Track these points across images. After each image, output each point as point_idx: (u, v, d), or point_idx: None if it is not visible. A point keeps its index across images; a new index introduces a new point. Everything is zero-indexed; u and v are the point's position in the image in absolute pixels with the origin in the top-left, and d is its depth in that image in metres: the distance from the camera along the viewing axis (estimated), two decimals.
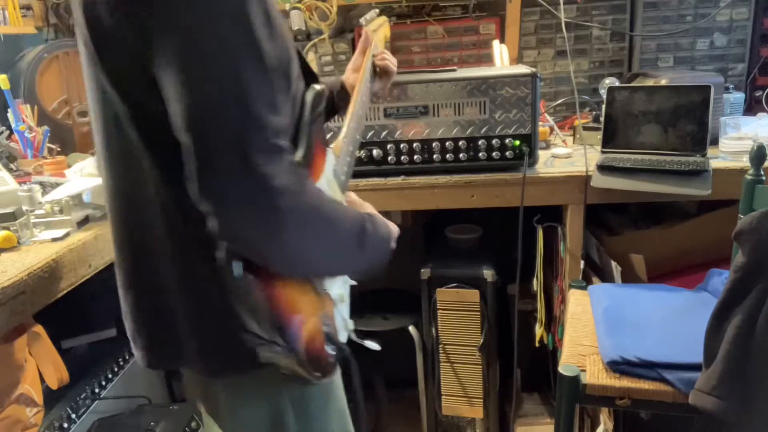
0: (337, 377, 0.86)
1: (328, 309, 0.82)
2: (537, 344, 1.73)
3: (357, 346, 0.90)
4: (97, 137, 0.76)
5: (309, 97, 0.78)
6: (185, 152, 0.61)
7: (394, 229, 0.90)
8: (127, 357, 1.42)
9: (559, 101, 1.96)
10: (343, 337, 0.85)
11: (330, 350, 0.79)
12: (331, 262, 0.76)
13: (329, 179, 0.84)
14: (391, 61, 1.19)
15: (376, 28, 1.22)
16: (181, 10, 0.60)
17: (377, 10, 1.28)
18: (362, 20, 1.20)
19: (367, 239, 0.77)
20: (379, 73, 1.17)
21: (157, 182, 0.71)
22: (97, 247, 1.14)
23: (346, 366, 0.84)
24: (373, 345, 0.92)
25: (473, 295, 1.65)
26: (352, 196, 0.96)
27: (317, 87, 0.79)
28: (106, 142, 0.75)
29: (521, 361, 1.70)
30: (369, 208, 0.93)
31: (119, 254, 0.80)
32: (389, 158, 1.51)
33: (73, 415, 1.22)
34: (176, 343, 0.78)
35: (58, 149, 1.75)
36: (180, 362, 0.81)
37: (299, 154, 0.73)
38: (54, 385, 1.06)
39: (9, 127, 1.73)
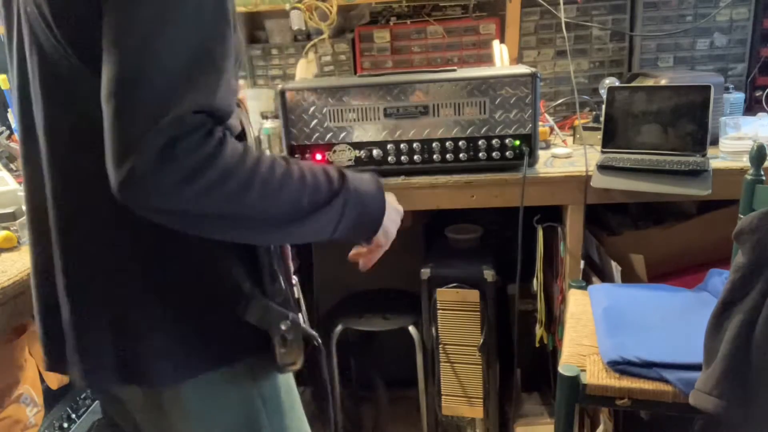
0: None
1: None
2: (537, 344, 1.73)
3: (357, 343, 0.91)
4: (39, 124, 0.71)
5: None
6: (105, 129, 0.59)
7: (392, 211, 0.84)
8: None
9: (559, 101, 1.96)
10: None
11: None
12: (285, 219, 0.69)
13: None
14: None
15: None
16: None
17: None
18: None
19: (322, 201, 0.70)
20: None
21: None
22: None
23: (318, 350, 0.83)
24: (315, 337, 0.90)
25: (473, 295, 1.65)
26: None
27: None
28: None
29: (521, 361, 1.70)
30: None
31: (40, 243, 0.73)
32: (389, 158, 1.51)
33: (73, 415, 1.22)
34: (129, 349, 0.71)
35: None
36: (133, 374, 0.72)
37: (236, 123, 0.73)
38: (54, 385, 1.06)
39: (9, 127, 1.73)
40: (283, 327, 0.73)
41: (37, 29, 0.67)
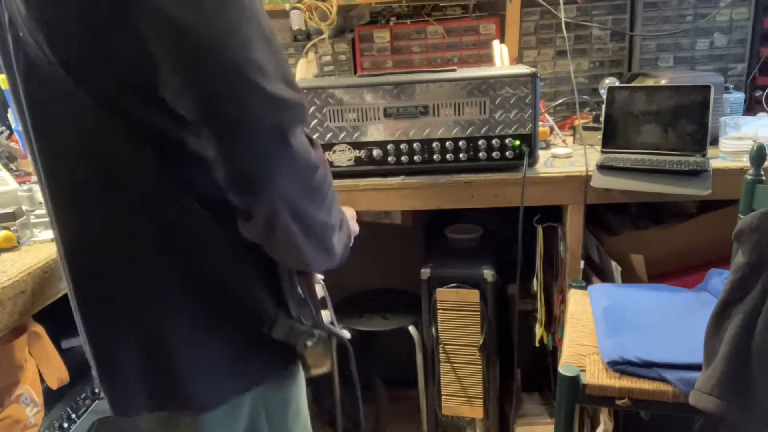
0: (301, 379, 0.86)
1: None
2: (537, 344, 1.73)
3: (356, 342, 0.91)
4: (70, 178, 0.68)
5: None
6: (209, 143, 0.60)
7: (348, 209, 0.90)
8: None
9: (559, 101, 1.96)
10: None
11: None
12: (342, 242, 0.77)
13: None
14: None
15: None
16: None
17: None
18: None
19: (344, 221, 0.79)
20: None
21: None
22: None
23: (345, 351, 0.85)
24: (345, 333, 0.89)
25: (473, 295, 1.65)
26: None
27: None
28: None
29: (521, 361, 1.70)
30: None
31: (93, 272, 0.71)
32: (389, 158, 1.51)
33: (73, 415, 1.22)
34: (171, 372, 0.71)
35: None
36: (176, 396, 0.72)
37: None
38: (54, 385, 1.06)
39: (9, 127, 1.73)
40: (309, 343, 0.75)
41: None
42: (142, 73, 0.58)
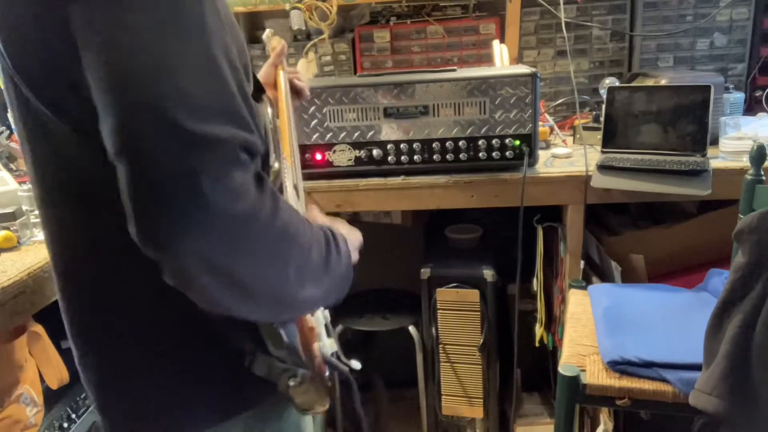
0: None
1: (319, 334, 0.78)
2: (537, 344, 1.73)
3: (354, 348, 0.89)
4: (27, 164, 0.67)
5: (267, 113, 0.73)
6: (120, 183, 0.51)
7: (354, 237, 0.81)
8: None
9: (559, 101, 1.96)
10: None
11: (328, 374, 0.76)
12: (313, 289, 0.65)
13: (293, 192, 0.80)
14: (305, 83, 1.16)
15: (276, 44, 1.20)
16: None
17: (272, 30, 1.24)
18: (264, 37, 1.17)
19: (332, 257, 0.68)
20: (292, 92, 1.14)
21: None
22: None
23: (347, 387, 0.80)
24: (356, 364, 0.85)
25: (473, 295, 1.64)
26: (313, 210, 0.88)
27: (269, 105, 0.74)
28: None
29: (521, 361, 1.70)
30: (319, 216, 0.83)
31: (64, 289, 0.70)
32: (389, 158, 1.51)
33: (73, 415, 1.22)
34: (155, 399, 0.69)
35: None
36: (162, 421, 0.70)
37: (276, 166, 0.69)
38: (54, 385, 1.06)
39: (9, 127, 1.73)
40: (291, 383, 0.68)
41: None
42: (81, 90, 0.54)
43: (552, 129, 1.81)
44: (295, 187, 0.83)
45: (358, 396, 0.81)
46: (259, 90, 0.73)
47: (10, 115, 1.69)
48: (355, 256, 0.77)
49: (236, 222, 0.52)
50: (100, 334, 0.69)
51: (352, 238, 0.78)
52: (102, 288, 0.67)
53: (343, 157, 1.52)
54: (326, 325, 0.82)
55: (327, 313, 0.83)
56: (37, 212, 1.17)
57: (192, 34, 0.53)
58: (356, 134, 1.51)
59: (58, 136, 0.61)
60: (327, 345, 0.80)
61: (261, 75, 1.09)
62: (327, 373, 0.76)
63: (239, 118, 0.55)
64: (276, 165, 0.70)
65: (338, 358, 0.81)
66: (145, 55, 0.51)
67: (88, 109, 0.54)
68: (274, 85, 1.05)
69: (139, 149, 0.50)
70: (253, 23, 2.10)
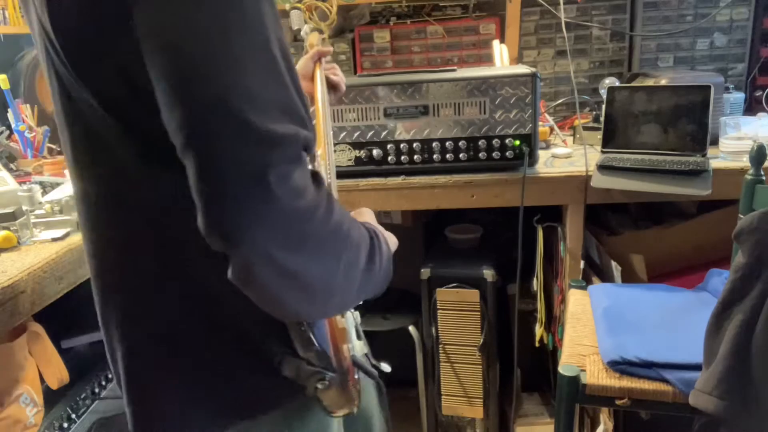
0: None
1: (349, 336, 0.78)
2: (537, 344, 1.73)
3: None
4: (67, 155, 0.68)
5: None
6: (189, 177, 0.53)
7: (392, 240, 0.82)
8: None
9: (559, 101, 1.96)
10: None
11: (356, 377, 0.76)
12: (357, 287, 0.66)
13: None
14: (342, 78, 1.17)
15: (314, 41, 1.19)
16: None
17: (312, 26, 1.23)
18: (303, 33, 1.16)
19: (376, 257, 0.68)
20: (328, 86, 1.14)
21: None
22: None
23: (379, 390, 0.80)
24: (385, 367, 0.86)
25: (473, 295, 1.64)
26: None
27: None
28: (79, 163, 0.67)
29: (521, 361, 1.70)
30: (368, 216, 0.85)
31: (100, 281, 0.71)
32: (389, 158, 1.51)
33: (73, 415, 1.22)
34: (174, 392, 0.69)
35: (58, 149, 1.75)
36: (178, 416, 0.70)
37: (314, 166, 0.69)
38: (54, 385, 1.06)
39: (9, 127, 1.73)
40: (319, 386, 0.68)
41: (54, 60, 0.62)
42: (147, 87, 0.55)
43: (552, 129, 1.81)
44: (329, 185, 0.83)
45: (386, 400, 0.80)
46: None
47: (10, 115, 1.69)
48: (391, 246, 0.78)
49: (297, 218, 0.54)
50: (129, 329, 0.69)
51: (390, 240, 0.79)
52: (132, 285, 0.68)
53: (343, 157, 1.52)
54: (356, 327, 0.82)
55: (357, 315, 0.83)
56: (37, 212, 1.18)
57: (253, 30, 0.54)
58: (356, 134, 1.51)
59: (95, 123, 0.62)
60: (357, 347, 0.79)
61: (299, 68, 1.10)
62: (356, 376, 0.76)
63: (298, 115, 0.56)
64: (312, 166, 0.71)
65: (368, 360, 0.81)
66: (211, 52, 0.51)
67: (140, 102, 0.55)
68: (311, 78, 1.06)
69: (208, 145, 0.51)
70: None
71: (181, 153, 0.53)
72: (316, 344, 0.67)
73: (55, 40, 0.59)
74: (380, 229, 0.76)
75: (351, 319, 0.79)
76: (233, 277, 0.55)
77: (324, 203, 0.57)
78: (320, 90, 1.00)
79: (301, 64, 1.09)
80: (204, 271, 0.59)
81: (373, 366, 0.81)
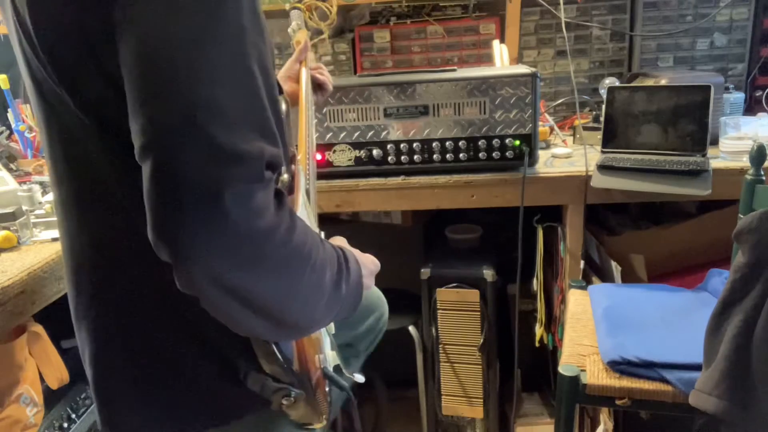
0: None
1: (322, 346, 0.76)
2: (537, 344, 1.73)
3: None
4: (45, 150, 0.68)
5: (282, 108, 0.71)
6: (144, 181, 0.51)
7: (369, 263, 0.78)
8: None
9: (559, 101, 1.96)
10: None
11: (327, 389, 0.75)
12: (321, 310, 0.63)
13: (304, 200, 0.78)
14: (328, 77, 1.15)
15: (301, 39, 1.18)
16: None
17: (299, 20, 1.22)
18: (290, 30, 1.16)
19: (342, 279, 0.66)
20: (315, 86, 1.13)
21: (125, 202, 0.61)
22: None
23: (347, 403, 0.79)
24: (359, 378, 0.83)
25: (473, 295, 1.64)
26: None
27: (284, 102, 0.73)
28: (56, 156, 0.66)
29: (521, 361, 1.70)
30: (339, 242, 0.81)
31: (73, 279, 0.69)
32: (389, 158, 1.51)
33: (73, 415, 1.22)
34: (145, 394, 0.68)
35: None
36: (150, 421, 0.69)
37: (286, 178, 0.68)
38: (54, 385, 1.06)
39: (9, 127, 1.73)
40: (284, 403, 0.66)
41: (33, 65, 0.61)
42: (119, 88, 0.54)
43: (552, 129, 1.81)
44: (307, 191, 0.81)
45: (357, 413, 0.79)
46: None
47: (10, 115, 1.69)
48: (369, 282, 0.75)
49: (252, 239, 0.52)
50: (98, 330, 0.69)
51: (367, 262, 0.77)
52: (102, 286, 0.67)
53: (343, 157, 1.52)
54: (331, 336, 0.81)
55: (332, 324, 0.80)
56: (37, 212, 1.18)
57: (230, 42, 0.53)
58: (356, 134, 1.51)
59: (69, 122, 0.61)
60: (329, 358, 0.78)
61: (284, 69, 1.09)
62: (327, 388, 0.74)
63: (268, 132, 0.55)
64: (285, 176, 0.69)
65: (340, 372, 0.79)
66: (183, 60, 0.50)
67: (117, 103, 0.54)
68: (297, 80, 1.05)
69: (167, 154, 0.50)
70: None
71: (139, 157, 0.51)
72: (281, 359, 0.64)
73: (35, 39, 0.58)
74: (352, 251, 0.74)
75: (324, 329, 0.77)
76: (179, 285, 0.53)
77: (285, 224, 0.55)
78: (305, 91, 1.00)
79: (287, 66, 1.08)
80: (172, 275, 0.58)
81: (345, 378, 0.79)
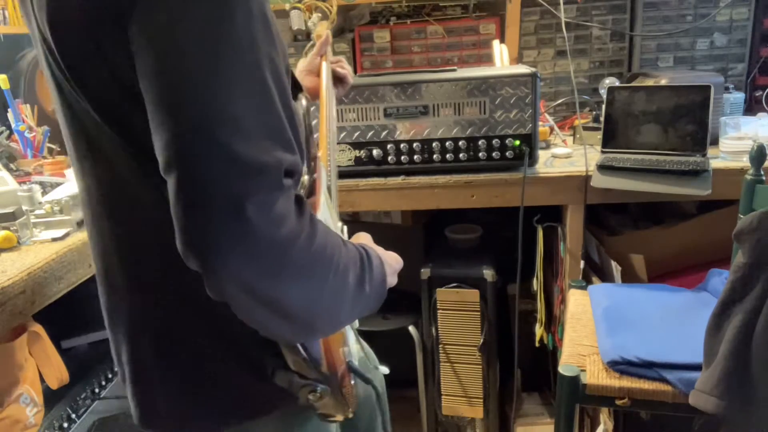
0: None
1: (346, 339, 0.78)
2: (537, 344, 1.73)
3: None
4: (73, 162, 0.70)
5: (301, 110, 0.72)
6: (169, 195, 0.53)
7: (392, 258, 0.80)
8: None
9: (559, 101, 1.96)
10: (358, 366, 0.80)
11: (353, 382, 0.76)
12: (346, 310, 0.66)
13: (326, 198, 0.79)
14: (349, 70, 1.16)
15: (322, 32, 1.18)
16: (162, 12, 0.52)
17: (320, 15, 1.22)
18: (310, 23, 1.16)
19: (366, 278, 0.68)
20: (336, 80, 1.13)
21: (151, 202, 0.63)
22: None
23: (379, 400, 0.81)
24: (384, 369, 0.86)
25: (473, 295, 1.64)
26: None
27: (304, 99, 0.74)
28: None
29: (521, 361, 1.70)
30: (364, 239, 0.82)
31: (105, 284, 0.72)
32: (389, 158, 1.51)
33: (73, 415, 1.22)
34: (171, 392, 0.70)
35: (58, 149, 1.75)
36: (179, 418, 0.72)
37: (306, 180, 0.69)
38: (54, 385, 1.06)
39: (9, 127, 1.73)
40: (311, 398, 0.68)
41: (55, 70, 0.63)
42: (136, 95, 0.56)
43: (552, 129, 1.81)
44: (329, 188, 0.82)
45: (385, 403, 0.80)
46: (295, 87, 0.74)
47: (10, 115, 1.69)
48: (392, 280, 0.78)
49: (275, 247, 0.53)
50: (134, 332, 0.71)
51: (390, 260, 0.78)
52: (136, 288, 0.69)
53: (343, 157, 1.52)
54: (355, 330, 0.82)
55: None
56: (37, 212, 1.18)
57: (243, 54, 0.54)
58: (356, 134, 1.51)
59: (100, 136, 0.63)
60: (354, 351, 0.79)
61: (305, 64, 1.09)
62: (352, 381, 0.76)
63: (284, 140, 0.56)
64: (306, 178, 0.70)
65: (366, 364, 0.81)
66: (198, 77, 0.52)
67: (136, 111, 0.56)
68: (318, 74, 1.04)
69: (189, 170, 0.51)
70: None
71: (163, 171, 0.53)
72: (306, 355, 0.66)
73: (54, 47, 0.59)
74: (375, 248, 0.75)
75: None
76: (210, 295, 0.55)
77: (306, 229, 0.56)
78: (325, 87, 0.99)
79: (307, 60, 1.09)
80: (200, 277, 0.59)
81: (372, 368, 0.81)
